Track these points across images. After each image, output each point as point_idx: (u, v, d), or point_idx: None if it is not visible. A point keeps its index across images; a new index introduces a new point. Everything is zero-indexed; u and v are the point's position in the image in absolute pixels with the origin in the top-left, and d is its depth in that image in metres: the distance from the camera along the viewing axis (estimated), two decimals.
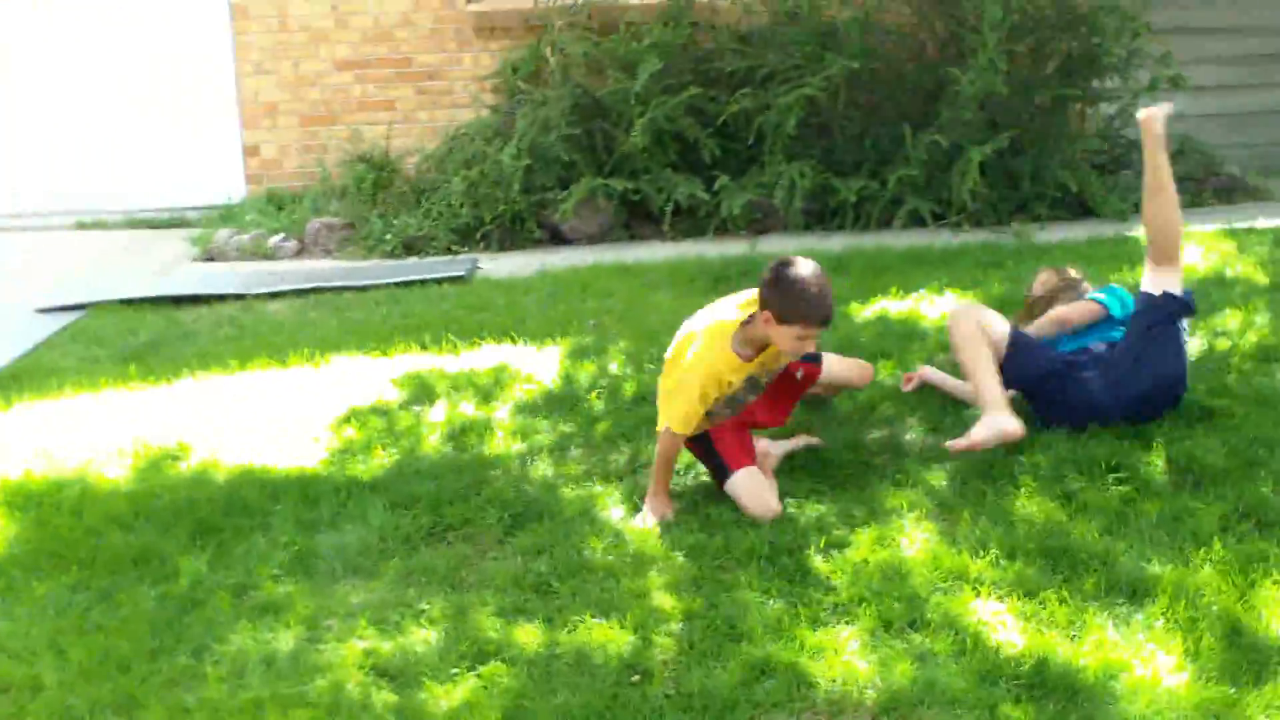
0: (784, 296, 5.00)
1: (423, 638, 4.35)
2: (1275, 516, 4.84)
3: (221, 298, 8.74)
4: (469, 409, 6.23)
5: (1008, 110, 10.00)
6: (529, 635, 4.33)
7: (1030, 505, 5.01)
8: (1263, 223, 8.97)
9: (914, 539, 4.82)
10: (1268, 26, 12.51)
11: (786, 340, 5.06)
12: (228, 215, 11.05)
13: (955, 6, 10.05)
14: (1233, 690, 3.89)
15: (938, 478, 5.25)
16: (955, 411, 5.80)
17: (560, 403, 6.21)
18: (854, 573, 4.59)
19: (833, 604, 4.43)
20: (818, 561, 4.68)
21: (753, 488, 5.14)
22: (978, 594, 4.46)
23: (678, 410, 5.13)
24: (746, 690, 3.99)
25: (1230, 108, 12.01)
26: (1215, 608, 4.28)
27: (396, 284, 8.78)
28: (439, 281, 8.78)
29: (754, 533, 4.89)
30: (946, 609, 4.35)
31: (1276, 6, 12.64)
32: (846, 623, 4.33)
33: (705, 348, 5.16)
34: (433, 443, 5.89)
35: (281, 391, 6.66)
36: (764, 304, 5.05)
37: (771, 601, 4.45)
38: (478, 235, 9.94)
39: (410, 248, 9.91)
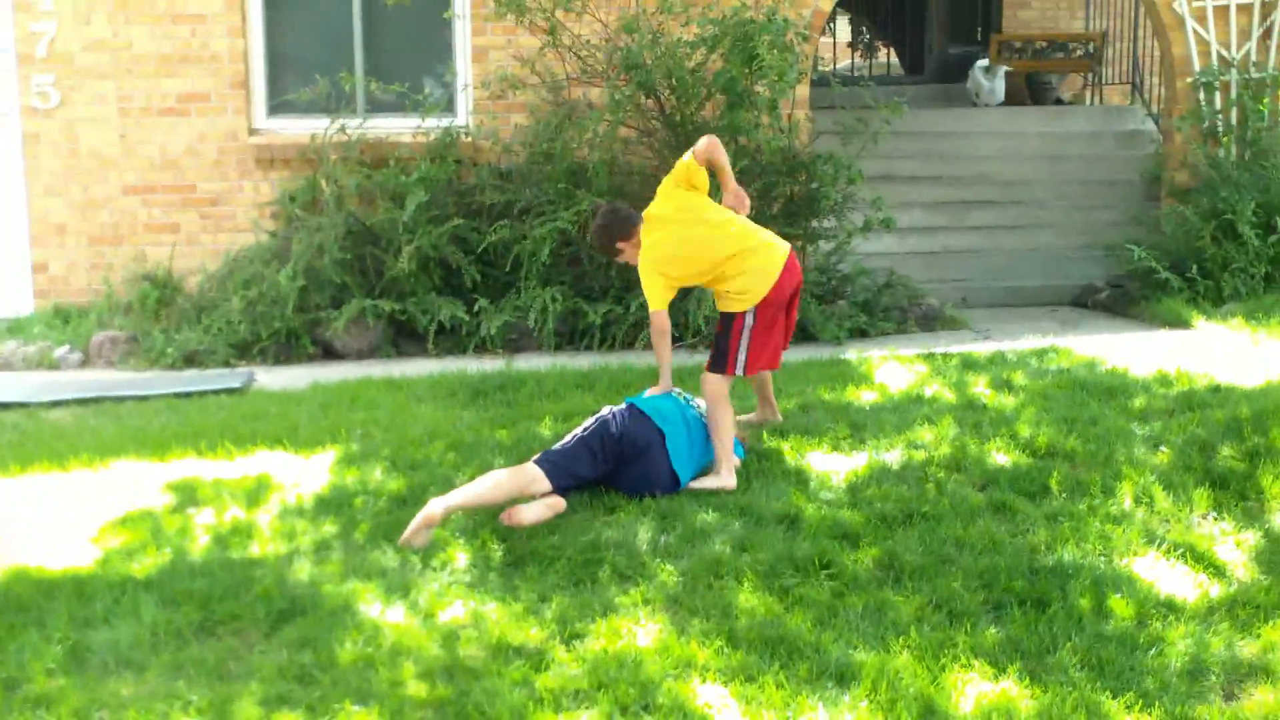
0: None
1: None
2: (963, 607, 4.99)
3: (6, 405, 8.41)
4: (240, 511, 6.08)
5: None
6: None
7: (752, 599, 5.08)
8: (956, 348, 9.28)
9: (647, 630, 4.85)
10: (960, 177, 13.11)
11: None
12: (15, 328, 10.67)
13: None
14: None
15: (669, 574, 5.29)
16: (684, 515, 5.86)
17: (326, 506, 6.11)
18: (593, 662, 4.60)
19: (574, 690, 4.42)
20: (561, 653, 4.68)
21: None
22: (704, 680, 4.50)
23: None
24: None
25: (931, 246, 12.50)
26: (912, 689, 4.40)
27: (176, 394, 8.57)
28: (216, 392, 8.61)
29: (509, 622, 4.86)
30: (676, 694, 4.38)
31: (967, 160, 13.27)
32: (585, 707, 4.32)
33: None
34: (204, 543, 5.73)
35: (60, 494, 6.42)
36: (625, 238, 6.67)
37: (517, 689, 4.41)
38: (255, 350, 9.79)
39: (190, 360, 9.71)
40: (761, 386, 7.12)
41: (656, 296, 6.48)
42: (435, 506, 5.58)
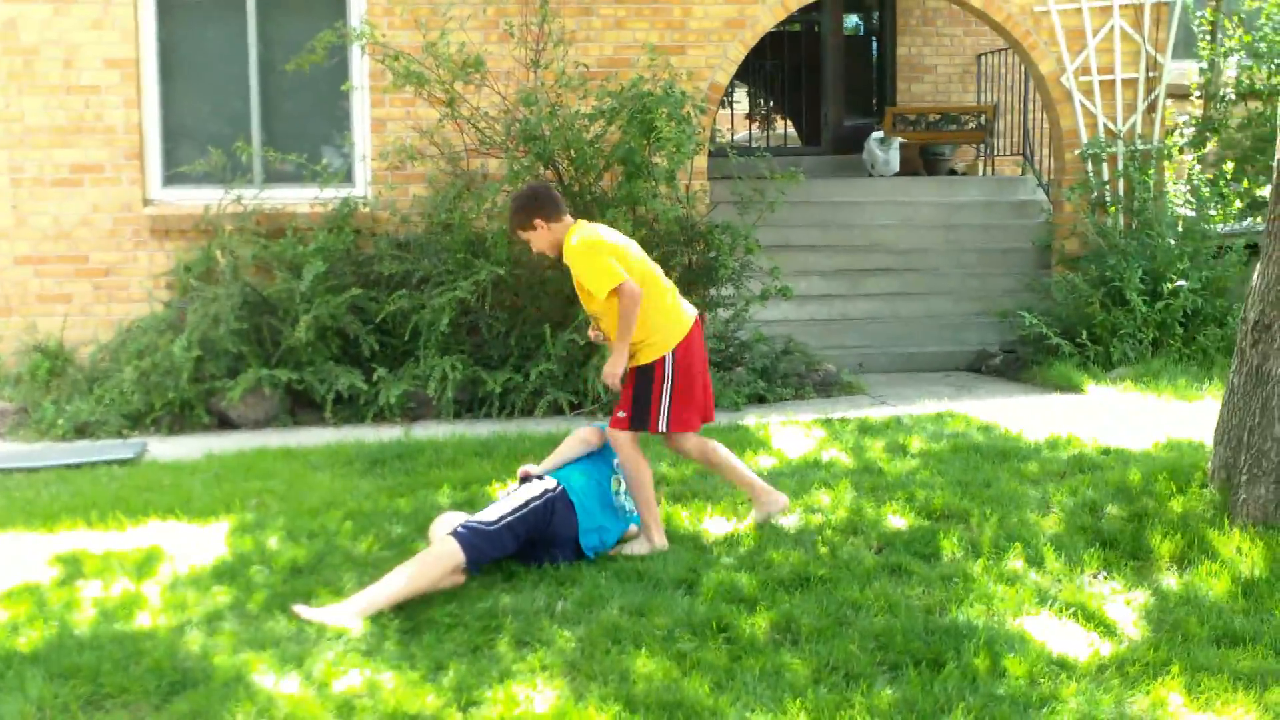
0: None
1: None
2: (860, 669, 5.00)
3: None
4: (130, 583, 5.98)
5: None
6: None
7: (649, 663, 5.06)
8: (853, 413, 9.39)
9: (545, 696, 4.82)
10: (857, 245, 13.31)
11: None
12: None
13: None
14: None
15: (567, 640, 5.28)
16: (581, 581, 5.86)
17: (219, 576, 6.02)
18: None
19: None
20: (458, 719, 4.64)
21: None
22: None
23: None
24: None
25: (829, 314, 12.65)
26: None
27: (66, 465, 8.44)
28: (108, 463, 8.48)
29: (405, 690, 4.81)
30: None
31: (863, 229, 13.48)
32: None
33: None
34: (92, 615, 5.61)
35: None
36: (546, 217, 6.41)
37: None
38: (148, 420, 9.67)
39: (82, 432, 9.57)
40: (724, 469, 6.79)
41: (616, 272, 6.21)
42: (354, 621, 5.40)
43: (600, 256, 6.26)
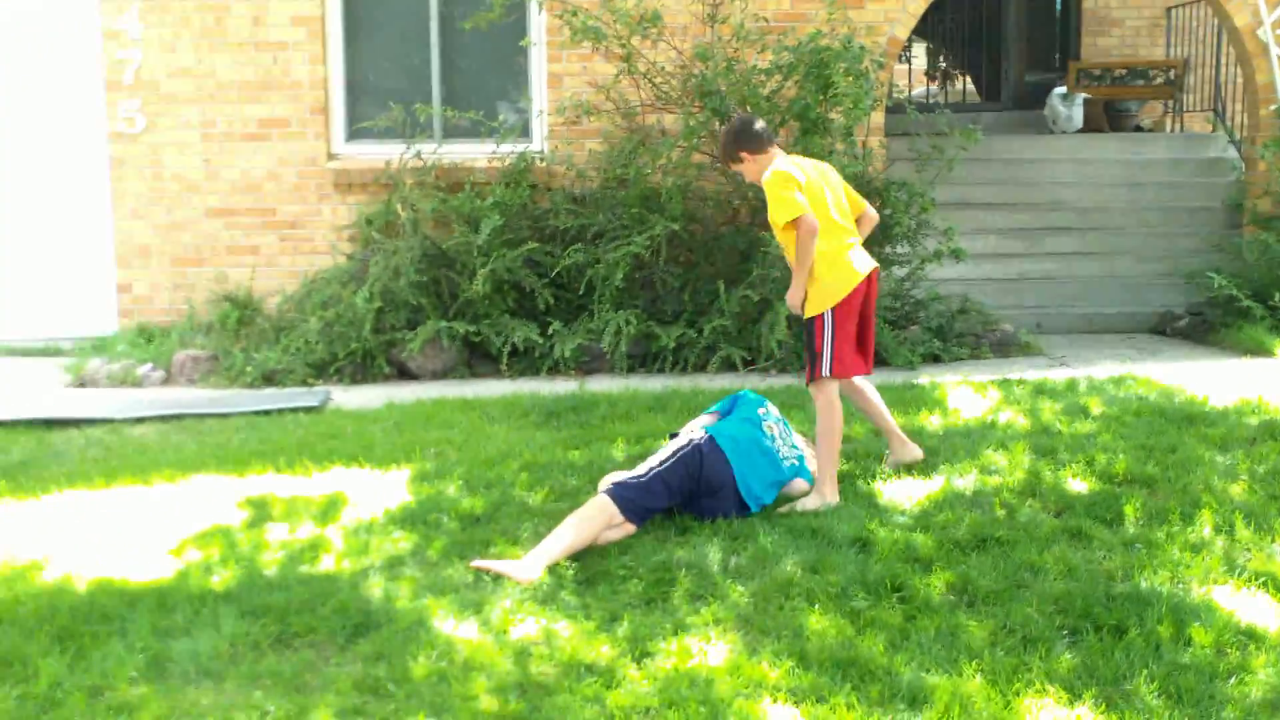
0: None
1: None
2: (1038, 632, 4.95)
3: (91, 421, 8.56)
4: (315, 527, 6.15)
5: None
6: None
7: (823, 620, 5.06)
8: (1030, 375, 9.23)
9: (718, 650, 4.86)
10: (1036, 203, 13.04)
11: None
12: (100, 346, 10.90)
13: None
14: None
15: (740, 594, 5.30)
16: (755, 536, 5.87)
17: (400, 522, 6.16)
18: (664, 680, 4.61)
19: (645, 708, 4.44)
20: (632, 671, 4.70)
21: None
22: (775, 700, 4.49)
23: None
24: None
25: (1006, 272, 12.42)
26: (985, 714, 4.37)
27: (255, 412, 8.69)
28: (294, 410, 8.72)
29: (580, 639, 4.89)
30: (746, 714, 4.38)
31: (1043, 186, 13.19)
32: None
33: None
34: (282, 557, 5.79)
35: (144, 508, 6.51)
36: (751, 150, 6.60)
37: (589, 706, 4.44)
38: (332, 369, 9.91)
39: (269, 379, 9.85)
40: (879, 417, 6.96)
41: (796, 204, 6.31)
42: (535, 572, 5.48)
43: (784, 189, 6.37)
